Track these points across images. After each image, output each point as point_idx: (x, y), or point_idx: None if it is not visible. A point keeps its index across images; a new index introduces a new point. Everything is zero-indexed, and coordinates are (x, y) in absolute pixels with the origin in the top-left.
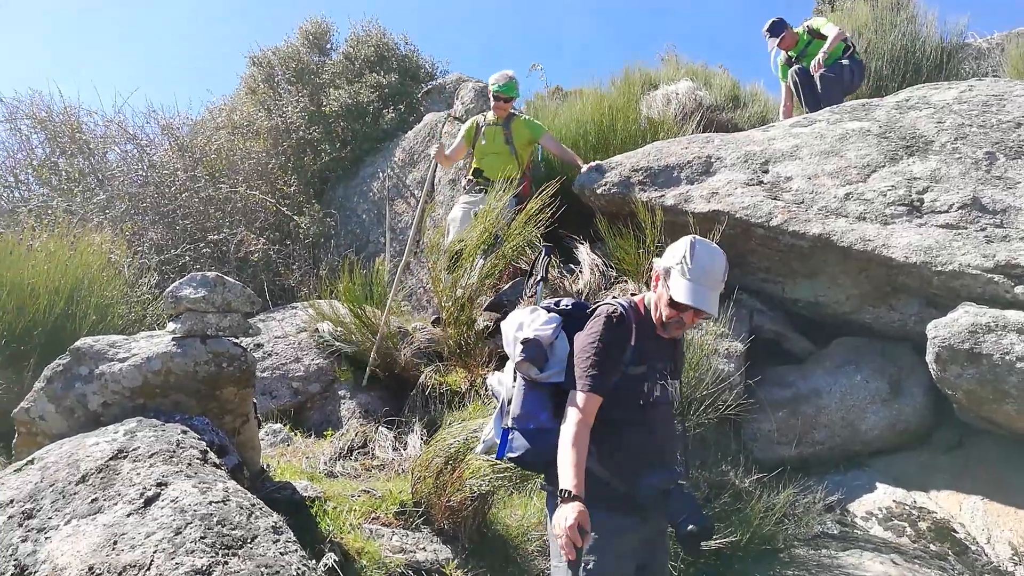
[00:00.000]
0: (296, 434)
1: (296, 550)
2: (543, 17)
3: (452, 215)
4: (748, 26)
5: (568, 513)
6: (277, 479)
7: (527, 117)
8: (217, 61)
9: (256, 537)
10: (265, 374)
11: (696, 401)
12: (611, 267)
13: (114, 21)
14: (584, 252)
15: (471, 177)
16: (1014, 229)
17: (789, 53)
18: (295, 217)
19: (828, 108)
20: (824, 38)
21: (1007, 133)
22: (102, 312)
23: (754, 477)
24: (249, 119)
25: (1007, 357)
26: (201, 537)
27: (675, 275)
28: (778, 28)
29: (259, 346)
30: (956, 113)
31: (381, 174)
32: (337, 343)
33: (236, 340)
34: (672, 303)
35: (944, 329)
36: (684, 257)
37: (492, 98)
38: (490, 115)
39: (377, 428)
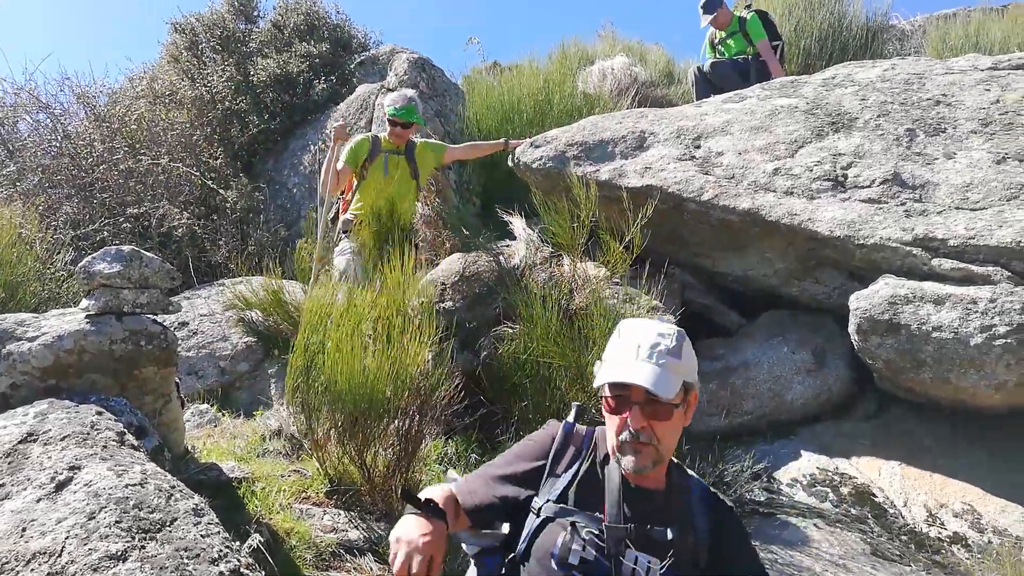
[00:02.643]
0: (224, 414)
1: (218, 532)
2: None
3: (337, 268)
4: (683, 4)
5: (410, 530)
6: (203, 460)
7: (424, 139)
8: (136, 27)
9: (176, 520)
10: (191, 353)
11: None
12: (546, 242)
13: None
14: (519, 227)
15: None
16: (932, 204)
17: (719, 33)
18: (221, 191)
19: (759, 84)
20: (747, 35)
21: (927, 111)
22: (12, 290)
23: (685, 447)
24: (172, 88)
25: (924, 327)
26: (116, 521)
27: (600, 366)
28: (712, 4)
29: (184, 324)
30: (879, 91)
31: (312, 147)
32: (266, 331)
33: (155, 317)
34: (609, 407)
35: (865, 301)
36: (610, 342)
37: (389, 123)
38: (385, 138)
39: None
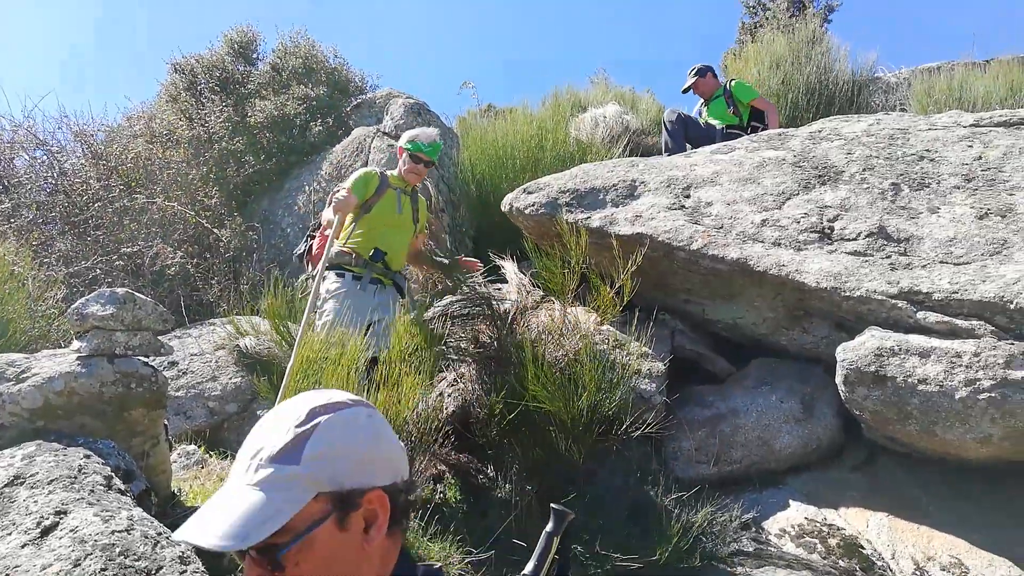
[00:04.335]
0: (211, 456)
1: None
2: (477, 35)
3: (327, 319)
4: (675, 53)
5: None
6: (189, 504)
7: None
8: (136, 67)
9: (161, 568)
10: (179, 393)
11: (619, 420)
12: (537, 286)
13: (25, 22)
14: (511, 271)
15: (358, 255)
16: (916, 257)
17: (702, 103)
18: (215, 230)
19: (747, 136)
20: (731, 98)
21: (911, 165)
22: (2, 328)
23: (674, 496)
24: (169, 128)
25: (909, 379)
26: (102, 569)
27: None
28: (699, 72)
29: (173, 364)
30: (865, 145)
31: (308, 188)
32: (261, 358)
33: (146, 359)
34: None
35: (852, 352)
36: None
37: (411, 159)
38: (393, 176)
39: None
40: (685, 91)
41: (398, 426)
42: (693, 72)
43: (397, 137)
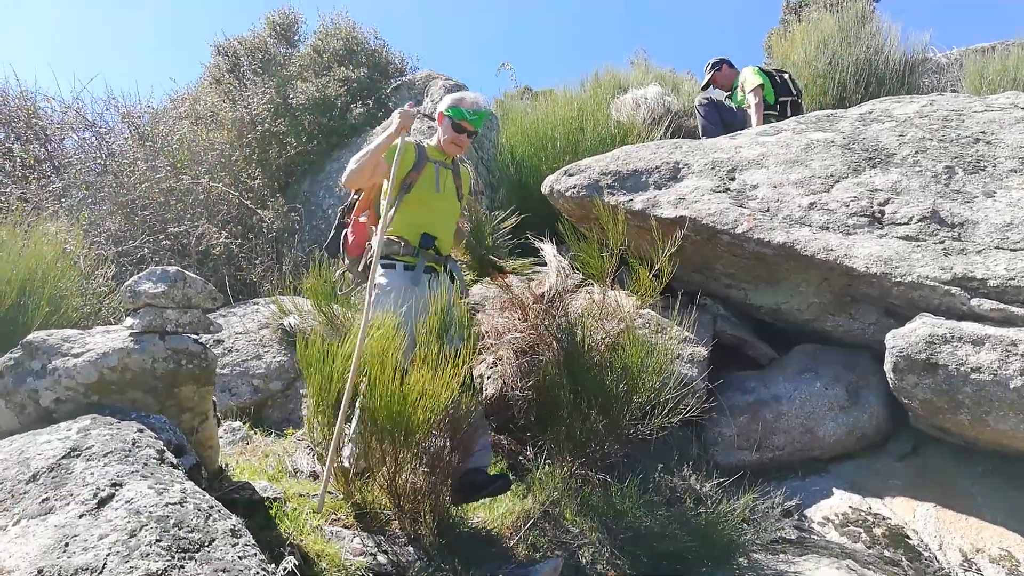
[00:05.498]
0: (256, 432)
1: (255, 554)
2: (514, 15)
3: (389, 305)
4: (715, 35)
5: None
6: (236, 479)
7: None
8: (181, 49)
9: (214, 540)
10: (225, 371)
11: (659, 405)
12: (577, 269)
13: (74, 5)
14: (550, 253)
15: (406, 243)
16: (971, 242)
17: (727, 93)
18: (258, 211)
19: (794, 118)
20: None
21: (966, 148)
22: (56, 304)
23: (715, 482)
24: (213, 109)
25: (962, 368)
26: (157, 540)
27: None
28: (714, 66)
29: (219, 342)
30: (917, 127)
31: None
32: (305, 337)
33: (196, 337)
34: None
35: (902, 339)
36: None
37: (452, 128)
38: (431, 147)
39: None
40: (705, 87)
41: (438, 408)
42: (709, 67)
43: None
